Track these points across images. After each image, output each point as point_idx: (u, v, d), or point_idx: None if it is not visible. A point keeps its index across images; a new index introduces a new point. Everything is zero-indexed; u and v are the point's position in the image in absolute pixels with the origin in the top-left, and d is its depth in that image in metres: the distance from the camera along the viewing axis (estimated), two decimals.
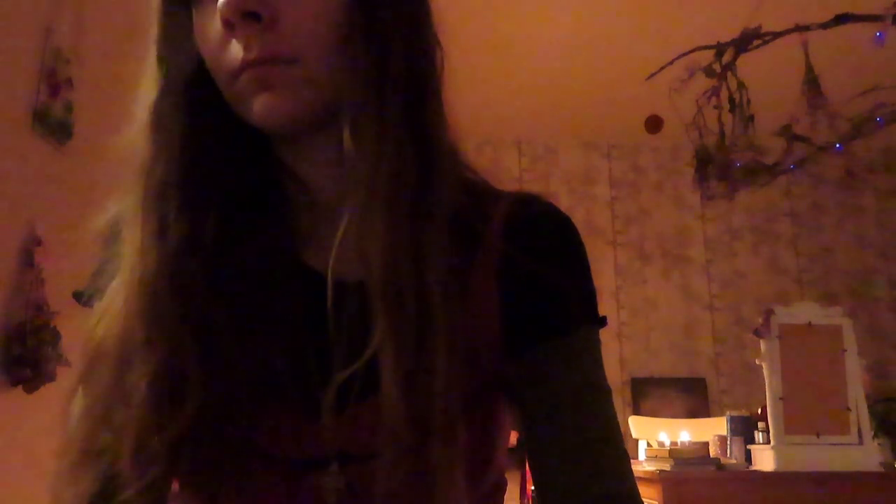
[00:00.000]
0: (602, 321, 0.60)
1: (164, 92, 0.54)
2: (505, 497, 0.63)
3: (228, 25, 0.50)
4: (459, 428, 0.49)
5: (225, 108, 0.55)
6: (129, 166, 0.55)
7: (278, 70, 0.50)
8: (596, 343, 0.60)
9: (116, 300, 0.53)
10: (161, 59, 0.55)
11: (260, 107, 0.51)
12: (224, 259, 0.53)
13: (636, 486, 0.55)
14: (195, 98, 0.54)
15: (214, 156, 0.54)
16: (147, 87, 0.56)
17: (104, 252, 0.60)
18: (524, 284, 0.56)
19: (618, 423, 0.57)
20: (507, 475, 0.63)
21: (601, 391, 0.57)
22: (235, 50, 0.50)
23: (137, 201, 0.54)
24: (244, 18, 0.49)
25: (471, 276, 0.56)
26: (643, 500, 0.55)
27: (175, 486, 0.55)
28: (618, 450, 0.55)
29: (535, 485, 0.56)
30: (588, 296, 0.60)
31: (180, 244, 0.51)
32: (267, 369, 0.53)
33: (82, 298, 0.61)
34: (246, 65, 0.50)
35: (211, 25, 0.52)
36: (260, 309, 0.54)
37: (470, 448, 0.50)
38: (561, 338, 0.57)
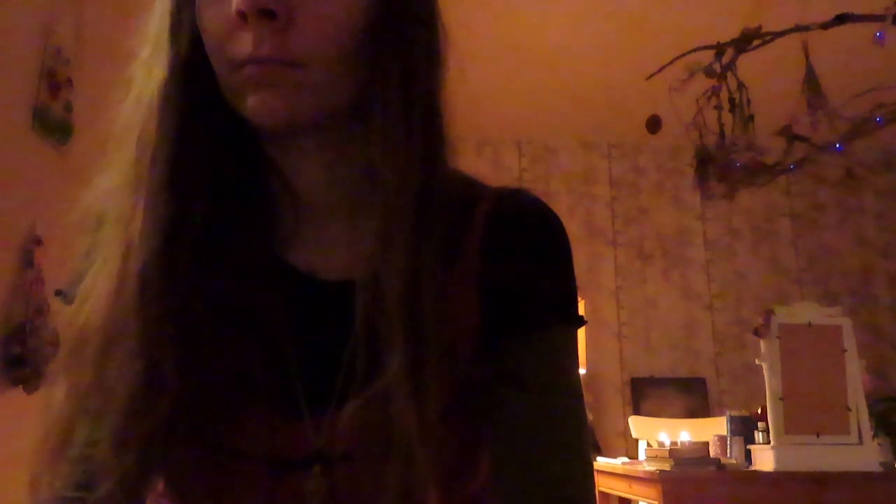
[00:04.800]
0: (579, 321, 0.59)
1: (173, 71, 0.52)
2: None
3: (242, 16, 0.48)
4: (442, 428, 0.49)
5: (217, 97, 0.53)
6: (125, 145, 0.53)
7: (283, 71, 0.49)
8: (572, 343, 0.59)
9: (99, 288, 0.52)
10: (174, 35, 0.53)
11: (256, 104, 0.50)
12: (207, 254, 0.52)
13: (593, 496, 0.54)
14: (196, 82, 0.53)
15: (205, 146, 0.53)
16: (150, 60, 0.54)
17: (87, 243, 0.59)
18: (502, 282, 0.56)
19: (584, 427, 0.55)
20: None
21: (570, 392, 0.56)
22: (244, 42, 0.49)
23: (131, 186, 0.52)
24: (260, 14, 0.48)
25: (452, 275, 0.55)
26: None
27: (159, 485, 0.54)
28: (579, 454, 0.54)
29: (492, 482, 0.55)
30: (565, 294, 0.59)
31: (168, 236, 0.50)
32: (246, 367, 0.52)
33: (65, 297, 0.60)
34: (251, 60, 0.49)
35: (219, 9, 0.50)
36: (240, 306, 0.53)
37: (451, 452, 0.50)
38: (533, 334, 0.56)
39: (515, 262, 0.56)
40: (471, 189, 0.61)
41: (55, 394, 0.52)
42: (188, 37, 0.52)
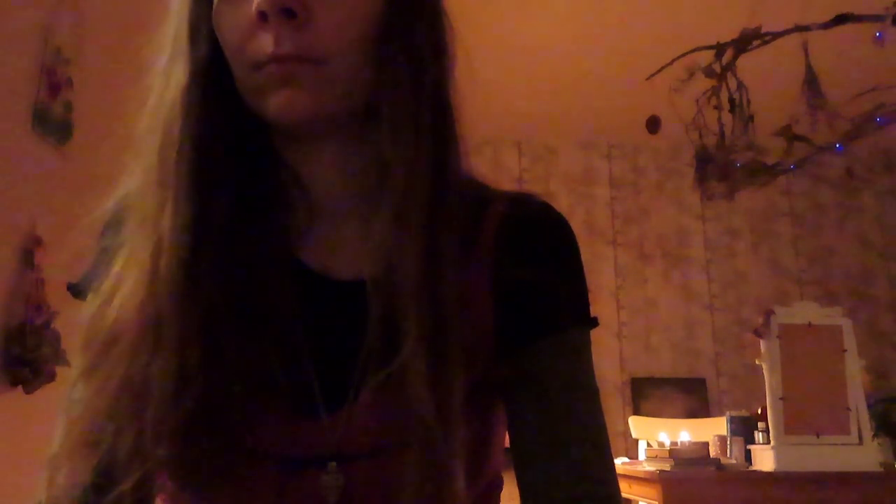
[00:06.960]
0: (593, 322, 0.60)
1: (194, 75, 0.53)
2: (500, 496, 0.63)
3: (262, 16, 0.49)
4: (461, 425, 0.49)
5: (235, 99, 0.54)
6: (147, 148, 0.54)
7: (304, 68, 0.50)
8: (587, 344, 0.59)
9: (129, 285, 0.52)
10: (193, 39, 0.54)
11: (279, 101, 0.51)
12: (226, 253, 0.53)
13: (619, 491, 0.55)
14: (216, 84, 0.54)
15: (226, 147, 0.54)
16: (169, 67, 0.55)
17: (104, 241, 0.59)
18: (516, 286, 0.57)
19: (604, 425, 0.56)
20: (503, 474, 0.63)
21: (589, 392, 0.57)
22: (264, 42, 0.50)
23: (156, 185, 0.53)
24: (280, 13, 0.49)
25: (466, 273, 0.56)
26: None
27: (168, 484, 0.54)
28: (601, 452, 0.55)
29: (517, 482, 0.56)
30: (579, 296, 0.60)
31: (195, 234, 0.51)
32: (263, 367, 0.53)
33: (77, 290, 0.60)
34: (273, 59, 0.50)
35: (238, 11, 0.51)
36: (257, 306, 0.54)
37: (467, 446, 0.50)
38: (551, 337, 0.57)
39: (529, 265, 0.57)
40: (481, 190, 0.62)
41: (79, 387, 0.52)
42: (206, 41, 0.53)
